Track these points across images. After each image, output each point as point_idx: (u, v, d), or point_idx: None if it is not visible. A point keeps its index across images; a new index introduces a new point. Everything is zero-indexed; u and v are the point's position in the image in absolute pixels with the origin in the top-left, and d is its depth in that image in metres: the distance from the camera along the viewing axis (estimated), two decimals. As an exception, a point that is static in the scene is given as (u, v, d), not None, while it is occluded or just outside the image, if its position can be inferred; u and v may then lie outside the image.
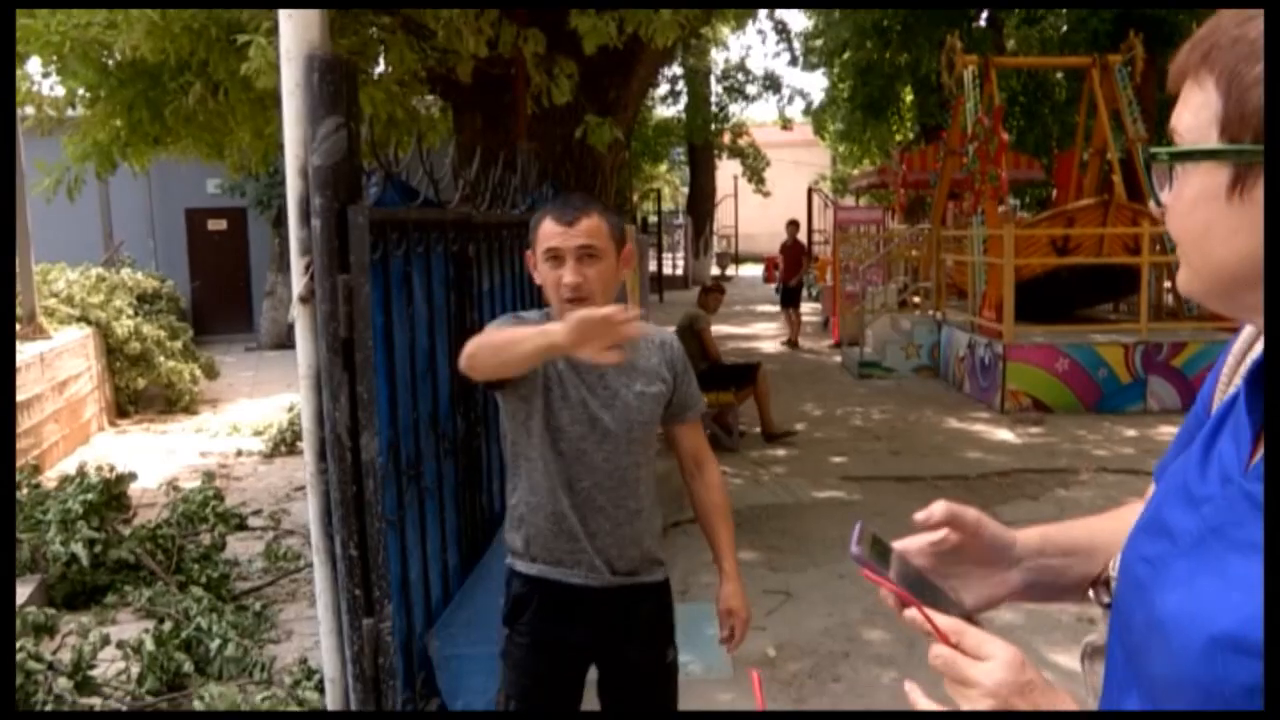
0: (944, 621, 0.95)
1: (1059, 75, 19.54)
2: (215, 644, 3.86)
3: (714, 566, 2.64)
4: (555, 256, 2.32)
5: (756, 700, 1.37)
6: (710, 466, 2.63)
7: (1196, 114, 0.83)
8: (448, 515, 3.40)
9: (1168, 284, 11.91)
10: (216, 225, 18.17)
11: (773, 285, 18.43)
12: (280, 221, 15.24)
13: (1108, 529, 1.17)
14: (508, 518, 2.48)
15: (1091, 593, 1.14)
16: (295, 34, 2.39)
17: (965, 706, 0.91)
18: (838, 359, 13.94)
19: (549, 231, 2.33)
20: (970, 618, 1.01)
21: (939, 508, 1.10)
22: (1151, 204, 0.90)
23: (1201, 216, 0.83)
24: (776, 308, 16.78)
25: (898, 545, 1.10)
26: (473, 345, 2.21)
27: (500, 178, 3.84)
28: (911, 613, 0.97)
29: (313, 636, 4.44)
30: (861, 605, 4.98)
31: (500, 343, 2.17)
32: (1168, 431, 8.52)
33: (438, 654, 3.17)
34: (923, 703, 0.96)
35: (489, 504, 3.91)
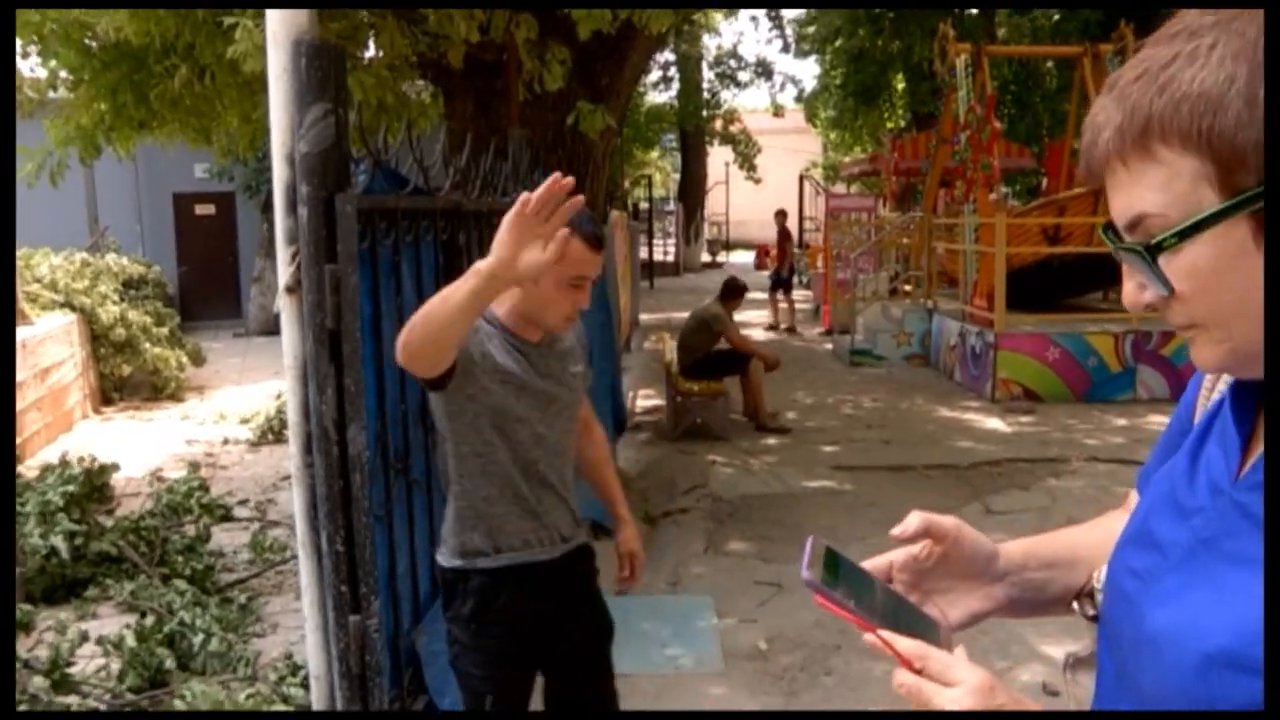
0: (906, 646, 0.90)
1: (1049, 64, 19.51)
2: (199, 639, 3.80)
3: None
4: (579, 283, 2.35)
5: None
6: (597, 427, 2.82)
7: (1167, 188, 0.78)
8: (436, 508, 3.34)
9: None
10: (204, 210, 17.99)
11: (765, 272, 18.42)
12: (269, 207, 15.10)
13: (1089, 540, 1.15)
14: (454, 521, 2.47)
15: (1075, 605, 1.11)
16: (283, 17, 2.32)
17: None
18: (828, 347, 13.92)
19: (583, 258, 2.31)
20: (945, 640, 0.96)
21: (914, 520, 1.05)
22: (1148, 296, 0.83)
23: (1234, 281, 0.77)
24: (767, 295, 16.77)
25: (878, 561, 1.05)
26: (404, 333, 2.07)
27: (491, 165, 3.77)
28: (872, 637, 0.91)
29: (298, 630, 4.38)
30: (854, 598, 4.94)
31: (428, 311, 2.02)
32: (1158, 421, 8.51)
33: (425, 649, 3.12)
34: None
35: (479, 496, 3.85)
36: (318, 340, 2.39)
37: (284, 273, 2.46)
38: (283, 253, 2.46)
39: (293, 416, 2.49)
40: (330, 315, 2.38)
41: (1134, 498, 1.15)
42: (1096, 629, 1.04)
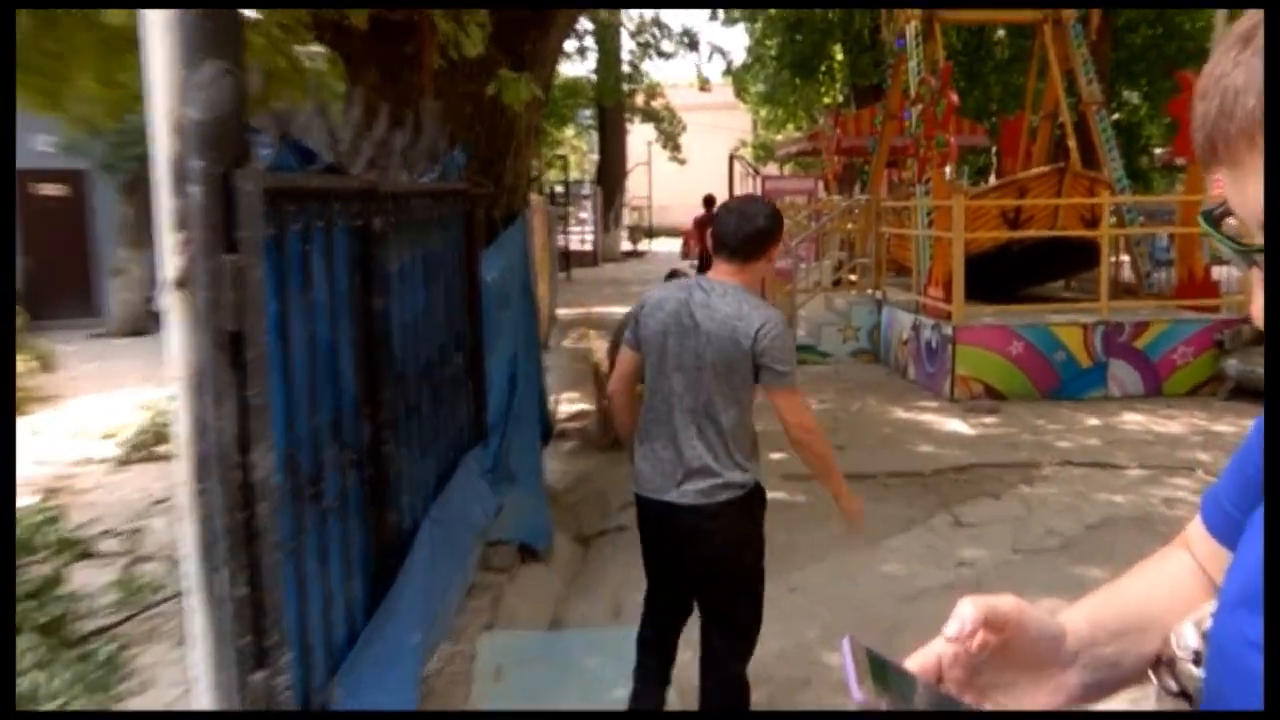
0: None
1: (1000, 33, 19.83)
2: (52, 706, 3.53)
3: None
4: None
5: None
6: None
7: None
8: (353, 538, 3.17)
9: (1125, 258, 12.13)
10: (51, 191, 17.28)
11: (690, 260, 18.47)
12: (134, 189, 14.50)
13: (1156, 595, 1.06)
14: (750, 449, 3.53)
15: (1153, 676, 1.00)
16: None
17: None
18: (768, 344, 13.90)
19: None
20: None
21: (967, 612, 0.92)
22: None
23: None
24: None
25: (925, 658, 0.94)
26: (812, 434, 3.42)
27: (410, 140, 3.60)
28: None
29: (179, 685, 4.14)
30: (819, 623, 4.88)
31: (823, 450, 3.50)
32: (1132, 419, 8.64)
33: (341, 705, 2.94)
34: None
35: (398, 521, 3.67)
36: (215, 345, 2.21)
37: (171, 264, 2.27)
38: (169, 240, 2.27)
39: (185, 436, 2.30)
40: (230, 315, 2.21)
41: (1196, 529, 1.06)
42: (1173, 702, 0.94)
